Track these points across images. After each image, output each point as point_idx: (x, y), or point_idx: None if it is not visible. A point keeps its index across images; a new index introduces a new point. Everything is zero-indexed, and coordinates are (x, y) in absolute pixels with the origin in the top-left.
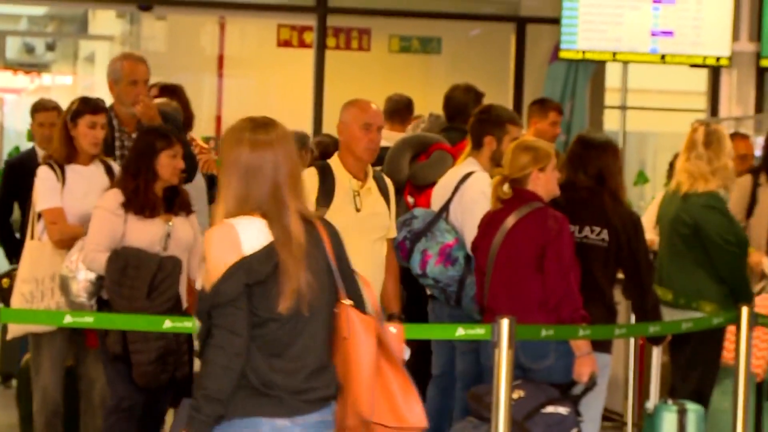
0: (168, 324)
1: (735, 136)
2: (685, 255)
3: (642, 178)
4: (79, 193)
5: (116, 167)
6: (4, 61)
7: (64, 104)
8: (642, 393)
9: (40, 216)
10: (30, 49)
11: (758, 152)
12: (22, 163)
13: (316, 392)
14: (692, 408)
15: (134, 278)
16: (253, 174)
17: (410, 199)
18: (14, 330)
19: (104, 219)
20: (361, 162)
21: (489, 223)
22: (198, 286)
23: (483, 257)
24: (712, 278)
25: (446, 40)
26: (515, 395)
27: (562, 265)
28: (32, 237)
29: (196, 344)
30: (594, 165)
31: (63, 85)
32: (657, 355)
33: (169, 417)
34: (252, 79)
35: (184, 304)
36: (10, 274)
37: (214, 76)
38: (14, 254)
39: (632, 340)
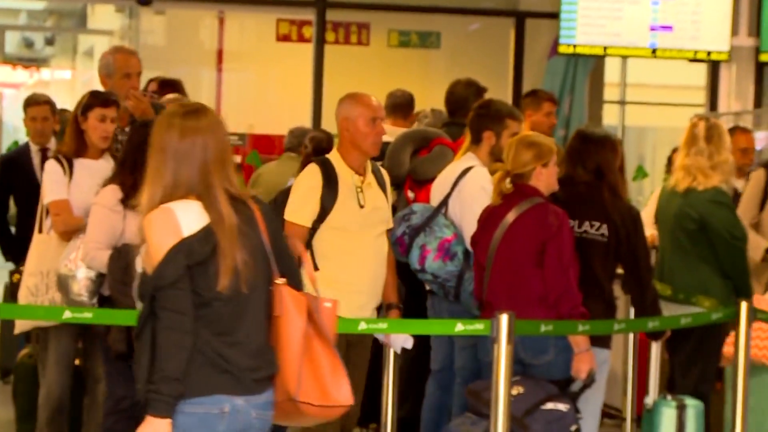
0: None
1: (736, 129)
2: (690, 251)
3: (641, 173)
4: (86, 187)
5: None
6: (3, 55)
7: (63, 99)
8: (641, 388)
9: (48, 211)
10: (29, 44)
11: (758, 147)
12: (16, 157)
13: (262, 371)
14: (691, 403)
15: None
16: (182, 159)
17: (411, 194)
18: (21, 325)
19: (103, 216)
20: (366, 156)
21: (488, 218)
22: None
23: (482, 252)
24: (716, 274)
25: (445, 35)
26: (514, 391)
27: (562, 261)
28: (40, 231)
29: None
30: (593, 160)
31: (62, 80)
32: (656, 350)
33: None
34: (251, 74)
35: None
36: (21, 270)
37: (213, 71)
38: (10, 250)
39: (631, 336)
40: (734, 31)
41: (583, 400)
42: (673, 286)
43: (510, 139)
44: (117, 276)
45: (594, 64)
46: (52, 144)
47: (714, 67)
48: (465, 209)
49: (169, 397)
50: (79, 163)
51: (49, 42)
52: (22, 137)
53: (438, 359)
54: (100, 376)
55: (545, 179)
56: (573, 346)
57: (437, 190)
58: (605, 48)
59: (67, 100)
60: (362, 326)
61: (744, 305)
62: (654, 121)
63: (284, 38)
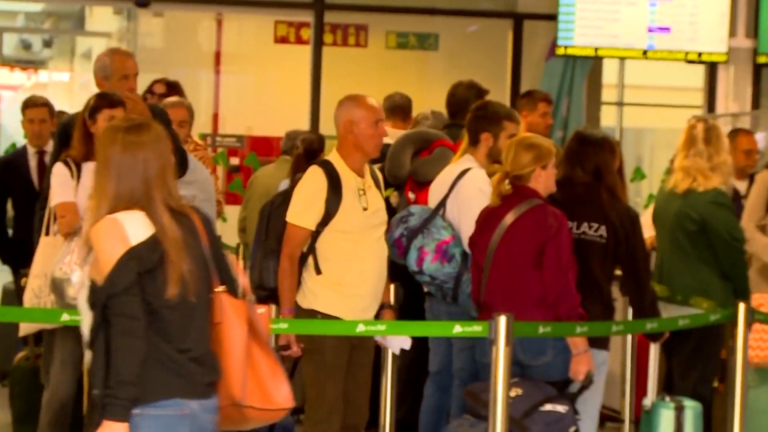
0: None
1: (739, 131)
2: (690, 252)
3: (639, 175)
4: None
5: None
6: (1, 57)
7: (61, 101)
8: (640, 390)
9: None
10: (27, 46)
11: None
12: (13, 160)
13: (210, 376)
14: (690, 405)
15: None
16: (124, 172)
17: (411, 195)
18: (26, 327)
19: None
20: (367, 158)
21: (487, 220)
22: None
23: (481, 253)
24: (716, 275)
25: (443, 37)
26: (513, 393)
27: (561, 263)
28: (47, 233)
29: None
30: (591, 161)
31: (60, 82)
32: (655, 351)
33: None
34: (249, 76)
35: None
36: (28, 273)
37: (211, 73)
38: (7, 253)
39: (630, 337)
40: (732, 33)
41: (581, 401)
42: (672, 288)
43: (509, 140)
44: None
45: (592, 65)
46: (50, 146)
47: (711, 68)
48: (463, 211)
49: (125, 401)
50: (87, 167)
51: (47, 44)
52: (20, 139)
53: (436, 361)
54: None
55: (544, 181)
56: (571, 347)
57: (435, 191)
58: (596, 49)
59: (65, 103)
60: (360, 328)
61: (742, 306)
62: (652, 122)
63: (282, 40)
